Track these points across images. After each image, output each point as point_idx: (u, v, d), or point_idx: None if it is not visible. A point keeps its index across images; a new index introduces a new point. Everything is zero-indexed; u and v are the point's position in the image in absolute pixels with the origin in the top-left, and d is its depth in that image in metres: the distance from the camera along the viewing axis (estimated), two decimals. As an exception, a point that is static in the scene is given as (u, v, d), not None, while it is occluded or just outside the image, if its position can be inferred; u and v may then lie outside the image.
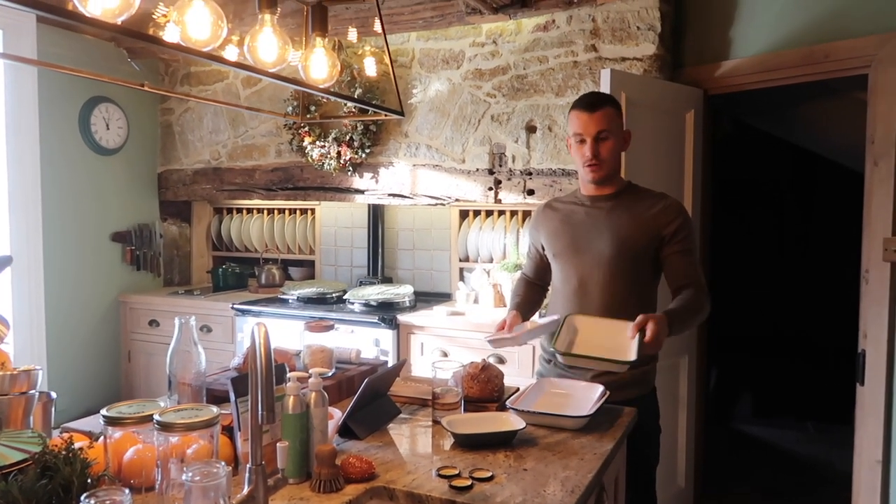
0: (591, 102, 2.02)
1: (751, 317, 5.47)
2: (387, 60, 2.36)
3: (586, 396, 1.85)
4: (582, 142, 2.02)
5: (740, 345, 5.24)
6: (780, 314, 5.55)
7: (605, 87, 2.68)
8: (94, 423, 1.69)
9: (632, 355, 1.74)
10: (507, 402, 1.82)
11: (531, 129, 3.34)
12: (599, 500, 1.54)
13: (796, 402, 4.85)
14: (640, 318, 1.80)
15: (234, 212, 4.57)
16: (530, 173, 3.34)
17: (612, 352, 1.78)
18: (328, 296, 3.74)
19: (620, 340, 1.79)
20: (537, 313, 2.25)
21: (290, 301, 3.75)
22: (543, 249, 2.21)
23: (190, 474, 0.87)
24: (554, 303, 2.18)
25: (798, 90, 3.13)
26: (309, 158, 3.84)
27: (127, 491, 0.83)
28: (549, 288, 2.28)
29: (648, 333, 1.75)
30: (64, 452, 1.10)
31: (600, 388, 1.85)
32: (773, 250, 5.69)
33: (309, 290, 3.78)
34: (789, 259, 5.64)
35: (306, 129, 3.81)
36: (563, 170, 3.25)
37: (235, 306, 3.71)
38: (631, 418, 1.83)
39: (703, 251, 3.22)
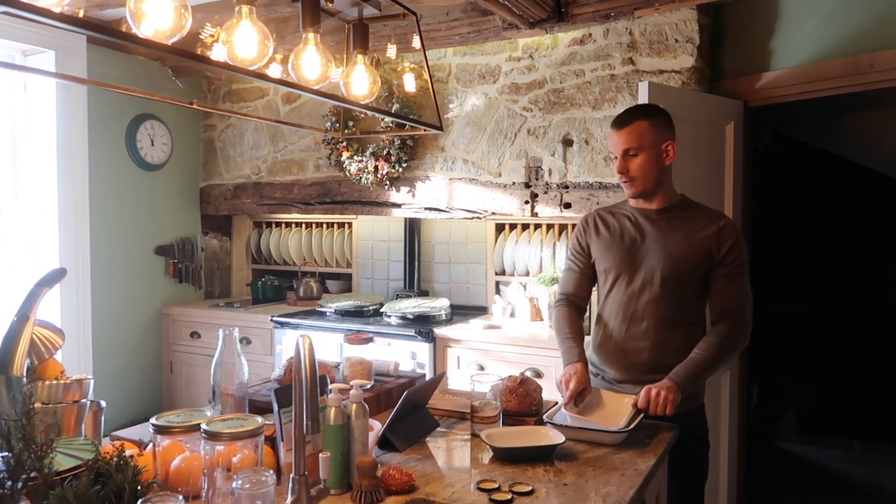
0: (622, 119, 1.99)
1: (794, 334, 5.34)
2: (426, 76, 2.39)
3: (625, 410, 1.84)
4: (616, 158, 2.01)
5: (783, 364, 5.12)
6: (824, 331, 5.40)
7: (642, 101, 2.67)
8: (140, 431, 1.73)
9: (623, 423, 1.75)
10: (545, 417, 1.81)
11: (568, 143, 3.34)
12: (641, 517, 1.52)
13: (843, 419, 4.71)
14: (642, 392, 1.82)
15: (274, 226, 4.65)
16: (567, 187, 3.33)
17: (609, 420, 1.81)
18: (365, 309, 3.77)
19: (622, 410, 1.84)
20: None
21: (327, 314, 3.79)
22: (591, 258, 2.13)
23: (240, 482, 0.89)
24: (602, 315, 2.12)
25: (842, 101, 3.08)
26: (347, 173, 3.89)
27: (181, 497, 0.85)
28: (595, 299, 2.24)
29: (651, 404, 1.78)
30: (116, 460, 1.13)
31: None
32: (816, 266, 5.56)
33: (346, 303, 3.81)
34: (833, 274, 5.50)
35: (344, 144, 3.87)
36: (599, 183, 3.23)
37: (274, 319, 3.77)
38: (673, 435, 1.80)
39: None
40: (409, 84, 2.79)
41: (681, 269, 1.95)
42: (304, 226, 4.52)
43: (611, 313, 2.07)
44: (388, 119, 3.64)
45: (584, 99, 3.29)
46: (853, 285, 5.38)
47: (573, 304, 2.17)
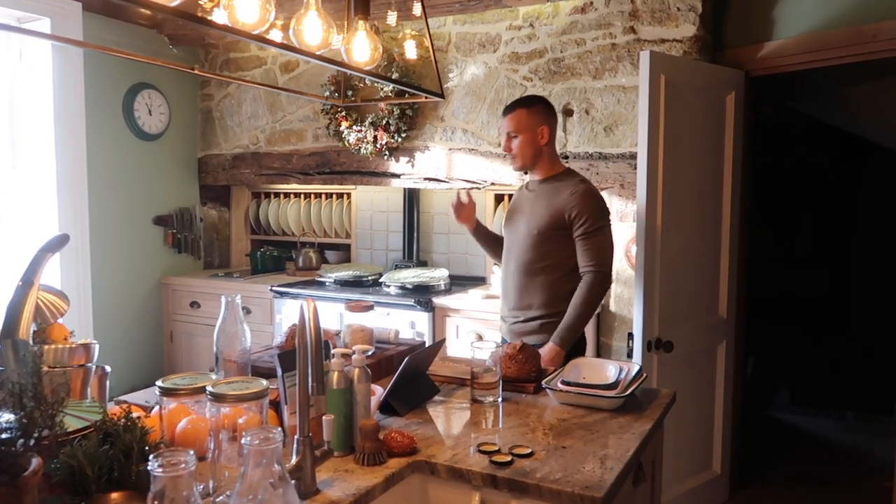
0: (507, 108, 2.46)
1: (790, 306, 5.38)
2: (426, 44, 2.37)
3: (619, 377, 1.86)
4: (505, 139, 2.48)
5: (780, 336, 5.16)
6: (821, 303, 5.44)
7: (643, 70, 2.66)
8: (145, 396, 1.76)
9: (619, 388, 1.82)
10: (543, 383, 1.84)
11: (568, 113, 3.32)
12: (637, 479, 1.55)
13: (836, 391, 4.77)
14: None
15: (272, 196, 4.64)
16: (567, 157, 3.32)
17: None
18: (364, 279, 3.79)
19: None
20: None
21: (327, 284, 3.81)
22: None
23: (248, 438, 0.91)
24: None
25: (845, 71, 3.06)
26: (346, 143, 3.88)
27: (191, 452, 0.87)
28: None
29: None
30: (123, 421, 1.15)
31: (636, 367, 1.88)
32: (814, 238, 5.57)
33: (345, 273, 3.83)
34: (832, 247, 5.51)
35: (343, 113, 3.85)
36: (599, 153, 3.23)
37: (274, 289, 3.78)
38: (669, 400, 1.83)
39: (741, 238, 3.17)
40: (410, 51, 2.77)
41: (538, 230, 2.39)
42: (302, 196, 4.52)
43: (503, 261, 2.59)
44: (387, 88, 3.61)
45: (584, 68, 3.27)
46: (851, 258, 5.40)
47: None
